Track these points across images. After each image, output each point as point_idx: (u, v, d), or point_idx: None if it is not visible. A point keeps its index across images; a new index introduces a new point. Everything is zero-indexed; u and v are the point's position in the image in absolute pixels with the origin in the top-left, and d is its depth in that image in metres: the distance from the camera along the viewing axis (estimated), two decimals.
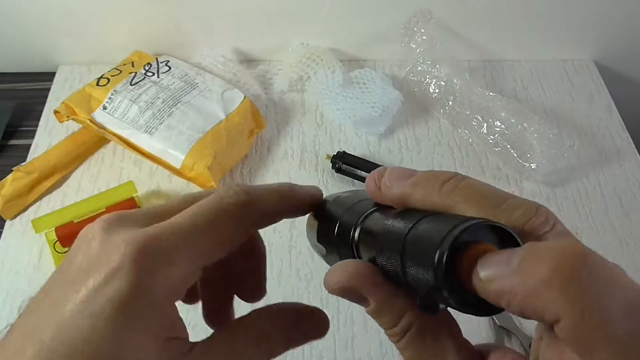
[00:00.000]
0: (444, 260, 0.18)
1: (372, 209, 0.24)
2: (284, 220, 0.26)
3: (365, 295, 0.21)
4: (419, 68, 0.71)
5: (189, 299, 0.27)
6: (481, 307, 0.18)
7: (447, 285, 0.18)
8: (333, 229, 0.25)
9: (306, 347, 0.51)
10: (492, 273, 0.17)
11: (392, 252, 0.20)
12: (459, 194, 0.20)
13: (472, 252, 0.18)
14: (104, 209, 0.56)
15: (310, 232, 0.28)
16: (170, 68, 0.67)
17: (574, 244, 0.17)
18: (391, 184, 0.22)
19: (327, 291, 0.21)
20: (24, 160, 0.63)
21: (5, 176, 0.60)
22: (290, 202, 0.25)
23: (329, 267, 0.22)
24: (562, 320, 0.16)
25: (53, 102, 0.71)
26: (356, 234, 0.23)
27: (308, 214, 0.28)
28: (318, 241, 0.27)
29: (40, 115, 0.69)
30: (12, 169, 0.61)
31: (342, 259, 0.25)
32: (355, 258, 0.24)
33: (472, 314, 0.19)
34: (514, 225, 0.19)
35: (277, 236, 0.59)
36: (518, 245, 0.18)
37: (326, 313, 0.25)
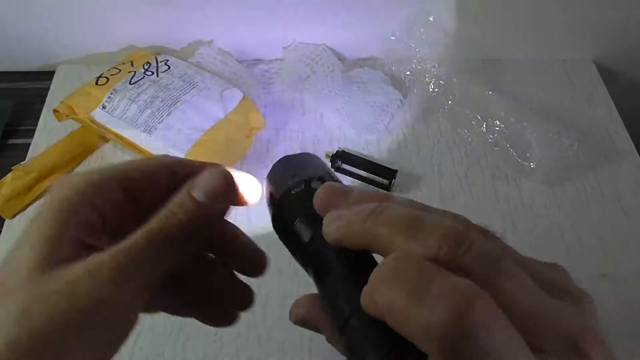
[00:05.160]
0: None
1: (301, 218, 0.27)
2: None
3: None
4: (419, 67, 0.71)
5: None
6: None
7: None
8: (280, 226, 0.29)
9: (305, 346, 0.51)
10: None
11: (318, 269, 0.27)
12: (380, 226, 0.21)
13: None
14: None
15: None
16: (169, 67, 0.67)
17: (467, 287, 0.18)
18: (328, 229, 0.23)
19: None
20: (23, 160, 0.63)
21: (4, 175, 0.60)
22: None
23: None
24: None
25: (52, 101, 0.71)
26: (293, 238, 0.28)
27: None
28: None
29: (40, 114, 0.69)
30: (12, 168, 0.61)
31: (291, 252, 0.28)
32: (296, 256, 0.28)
33: None
34: (429, 253, 0.19)
35: (276, 236, 0.58)
36: None
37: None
